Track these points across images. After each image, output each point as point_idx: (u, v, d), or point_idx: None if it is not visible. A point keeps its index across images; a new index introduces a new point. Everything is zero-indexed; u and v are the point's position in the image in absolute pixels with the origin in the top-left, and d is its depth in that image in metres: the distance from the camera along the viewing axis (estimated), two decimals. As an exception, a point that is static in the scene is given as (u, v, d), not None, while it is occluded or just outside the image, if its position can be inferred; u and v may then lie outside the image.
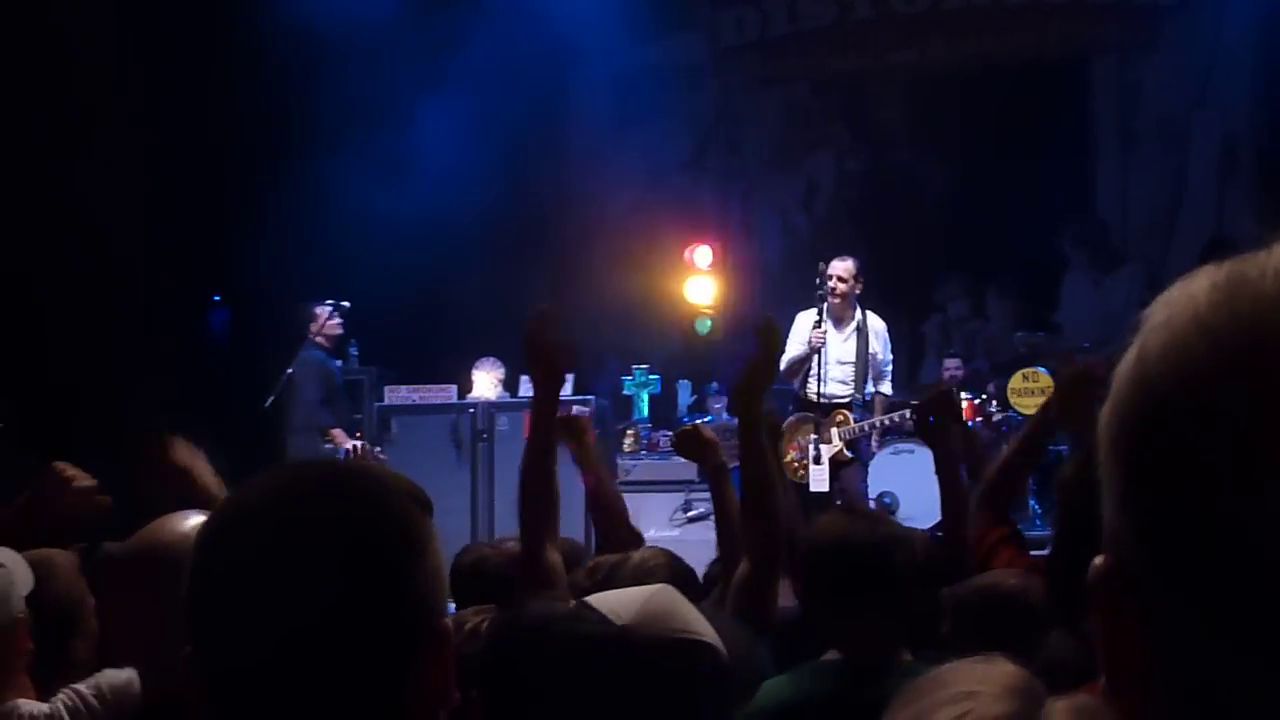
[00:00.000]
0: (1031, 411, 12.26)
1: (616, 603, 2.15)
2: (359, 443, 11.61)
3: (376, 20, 13.48)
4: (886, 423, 10.50)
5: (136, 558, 2.50)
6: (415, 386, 12.52)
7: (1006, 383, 12.45)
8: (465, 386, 12.56)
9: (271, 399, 11.47)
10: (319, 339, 11.97)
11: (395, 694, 1.49)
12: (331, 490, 1.55)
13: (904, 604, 3.50)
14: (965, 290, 15.13)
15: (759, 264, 15.66)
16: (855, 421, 10.26)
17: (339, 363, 12.26)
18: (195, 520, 2.45)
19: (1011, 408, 12.33)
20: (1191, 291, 0.89)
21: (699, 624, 2.14)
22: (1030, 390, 12.30)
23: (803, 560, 3.64)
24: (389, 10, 13.41)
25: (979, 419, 12.45)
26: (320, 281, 12.34)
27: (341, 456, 11.34)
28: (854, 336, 10.54)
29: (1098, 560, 0.91)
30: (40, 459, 11.96)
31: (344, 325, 12.11)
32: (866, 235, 15.31)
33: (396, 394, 12.47)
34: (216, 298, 15.03)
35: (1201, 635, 0.84)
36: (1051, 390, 12.18)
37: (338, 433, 11.69)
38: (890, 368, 10.75)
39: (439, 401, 12.41)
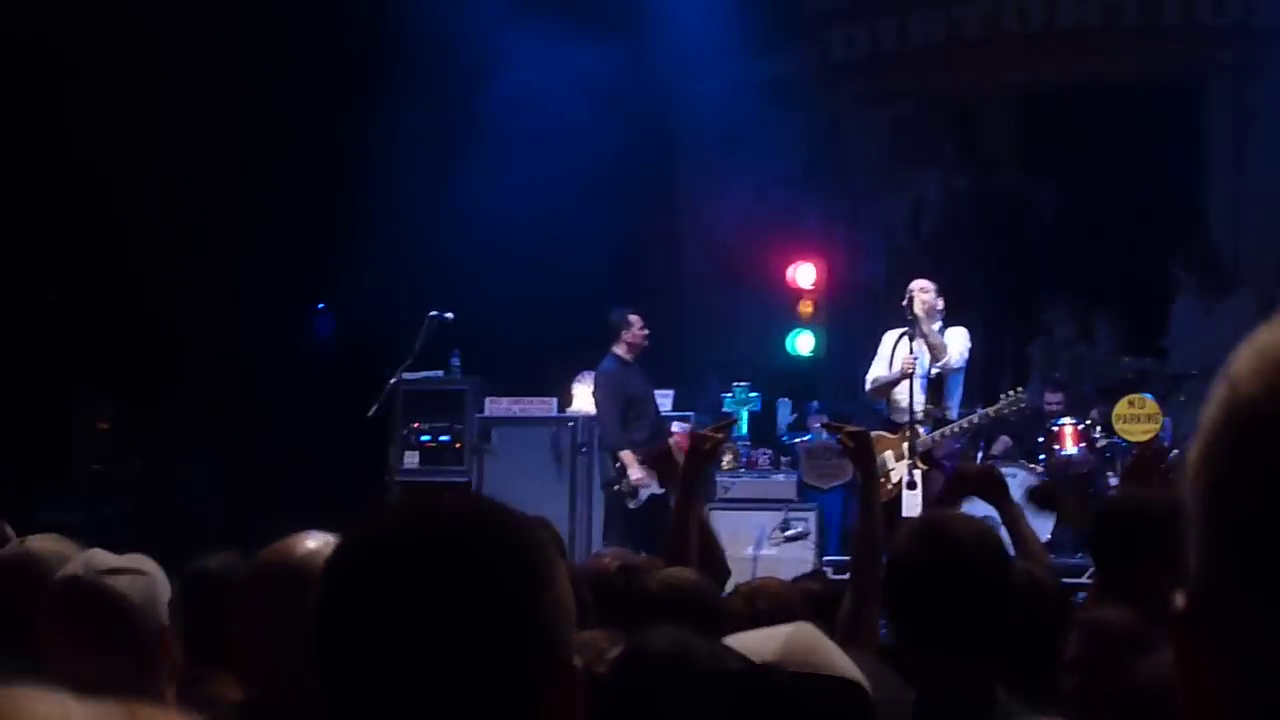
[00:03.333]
0: (1137, 438, 12.11)
1: (754, 641, 2.14)
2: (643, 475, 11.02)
3: (484, 33, 13.57)
4: (955, 431, 10.27)
5: (265, 574, 2.54)
6: (516, 399, 12.58)
7: (1111, 408, 12.29)
8: (566, 399, 12.59)
9: (375, 408, 11.52)
10: (619, 348, 11.52)
11: None
12: (459, 521, 1.56)
13: (1003, 638, 3.35)
14: (1072, 312, 14.96)
15: (863, 282, 15.57)
16: (925, 435, 10.05)
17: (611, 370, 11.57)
18: (319, 539, 2.48)
19: (1116, 434, 12.18)
20: (1275, 326, 0.89)
21: (843, 661, 2.12)
22: (1136, 416, 12.13)
23: (886, 580, 3.51)
24: (497, 24, 13.49)
25: (1083, 444, 12.31)
26: (424, 292, 12.42)
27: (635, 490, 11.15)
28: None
29: (1179, 598, 0.90)
30: (144, 458, 12.18)
31: (648, 337, 11.51)
32: (973, 255, 15.21)
33: (497, 405, 12.53)
34: (321, 305, 15.19)
35: None
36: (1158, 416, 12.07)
37: (626, 455, 11.14)
38: (959, 380, 10.49)
39: (539, 414, 12.46)
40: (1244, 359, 0.89)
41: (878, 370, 10.34)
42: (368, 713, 1.48)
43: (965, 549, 3.28)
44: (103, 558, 3.30)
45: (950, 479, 5.37)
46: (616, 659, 2.75)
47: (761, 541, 11.77)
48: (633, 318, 11.57)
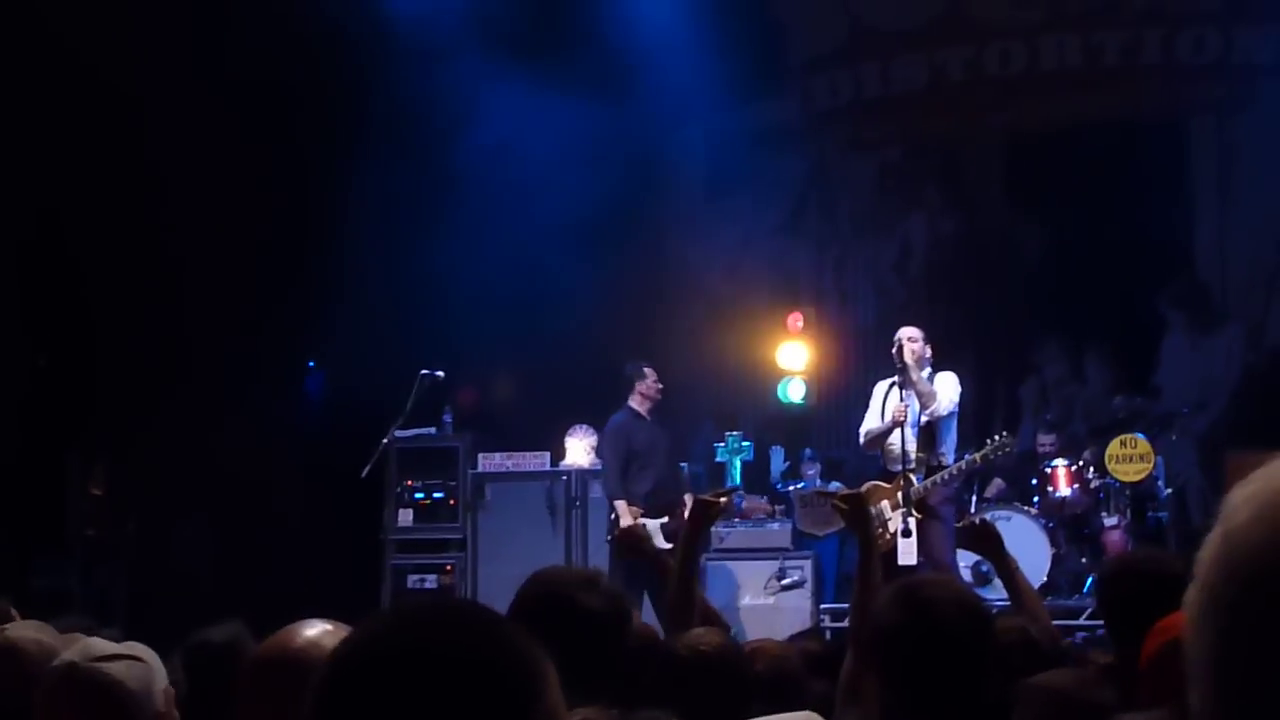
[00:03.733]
0: (1130, 478, 12.13)
1: None
2: (636, 521, 10.99)
3: (468, 86, 13.61)
4: (945, 478, 10.22)
5: (265, 665, 2.55)
6: (509, 453, 12.58)
7: (1103, 448, 12.30)
8: (559, 453, 12.59)
9: (368, 467, 11.52)
10: (633, 400, 11.68)
11: None
12: (451, 627, 1.56)
13: (984, 692, 3.37)
14: (1062, 353, 14.97)
15: (853, 328, 15.60)
16: (918, 484, 9.97)
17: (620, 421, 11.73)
18: (318, 627, 2.51)
19: (1110, 474, 12.19)
20: (1271, 472, 0.89)
21: None
22: (1129, 456, 12.15)
23: (872, 640, 3.52)
24: (480, 77, 13.54)
25: (1076, 485, 12.31)
26: (414, 349, 12.42)
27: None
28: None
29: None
30: (138, 523, 12.09)
31: (662, 391, 11.73)
32: (961, 298, 15.23)
33: (491, 461, 12.53)
34: (311, 363, 15.17)
35: None
36: (1149, 456, 12.07)
37: (620, 505, 11.29)
38: (952, 424, 10.43)
39: (533, 469, 12.47)
40: (1239, 508, 0.89)
41: (870, 422, 10.36)
42: None
43: (942, 612, 3.31)
44: (98, 645, 3.30)
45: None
46: None
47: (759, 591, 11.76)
48: (647, 370, 11.66)
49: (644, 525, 5.04)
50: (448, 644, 1.53)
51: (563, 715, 1.57)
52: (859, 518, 4.94)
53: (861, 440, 10.51)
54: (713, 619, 4.97)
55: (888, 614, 3.38)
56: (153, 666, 3.28)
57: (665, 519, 11.12)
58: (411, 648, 1.53)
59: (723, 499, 5.37)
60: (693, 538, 5.04)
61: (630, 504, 11.28)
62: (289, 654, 2.49)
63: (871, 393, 10.49)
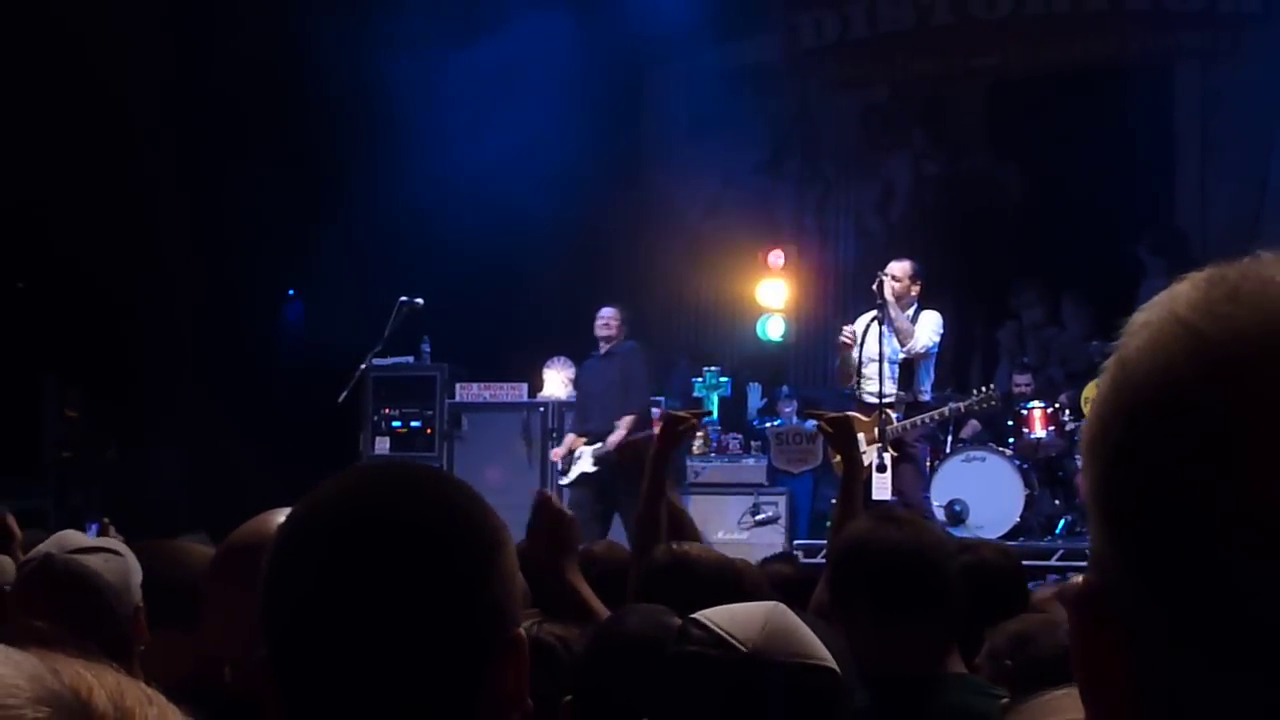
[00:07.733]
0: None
1: (731, 622, 2.12)
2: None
3: (455, 22, 13.53)
4: (926, 421, 10.22)
5: (237, 550, 2.53)
6: (487, 384, 12.59)
7: (1079, 391, 12.33)
8: (536, 385, 12.60)
9: (344, 394, 11.49)
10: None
11: (468, 700, 1.48)
12: (406, 494, 1.54)
13: (949, 615, 3.40)
14: (1040, 297, 14.98)
15: (833, 268, 15.60)
16: (897, 421, 9.95)
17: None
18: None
19: (1085, 417, 12.20)
20: (1173, 294, 0.87)
21: (818, 647, 2.11)
22: (1105, 400, 12.17)
23: (851, 557, 3.53)
24: (466, 12, 13.45)
25: (1051, 427, 12.34)
26: (395, 278, 12.39)
27: None
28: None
29: (1077, 579, 0.89)
30: (117, 448, 12.05)
31: (602, 328, 11.86)
32: (942, 240, 15.21)
33: (468, 391, 12.55)
34: (291, 291, 15.14)
35: (1178, 650, 0.81)
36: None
37: (569, 437, 11.68)
38: (930, 363, 10.40)
39: (510, 399, 12.48)
40: (1135, 333, 0.86)
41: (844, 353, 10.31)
42: (315, 684, 1.48)
43: (925, 530, 3.35)
44: (75, 538, 3.30)
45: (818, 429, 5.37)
46: (590, 638, 2.75)
47: (733, 526, 11.81)
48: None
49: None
50: (399, 511, 1.51)
51: (518, 582, 1.56)
52: (845, 440, 4.87)
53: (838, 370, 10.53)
54: (686, 525, 4.91)
55: (877, 529, 3.37)
56: (129, 561, 3.28)
57: (598, 445, 11.27)
58: (360, 517, 1.51)
59: (693, 418, 5.27)
60: (661, 455, 4.94)
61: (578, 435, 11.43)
62: (259, 539, 2.47)
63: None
